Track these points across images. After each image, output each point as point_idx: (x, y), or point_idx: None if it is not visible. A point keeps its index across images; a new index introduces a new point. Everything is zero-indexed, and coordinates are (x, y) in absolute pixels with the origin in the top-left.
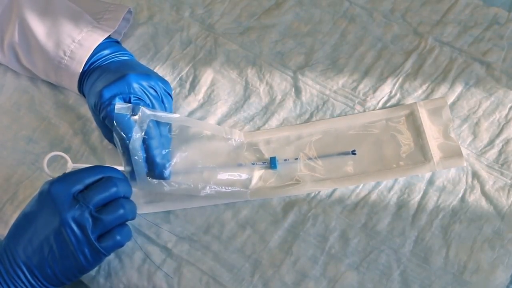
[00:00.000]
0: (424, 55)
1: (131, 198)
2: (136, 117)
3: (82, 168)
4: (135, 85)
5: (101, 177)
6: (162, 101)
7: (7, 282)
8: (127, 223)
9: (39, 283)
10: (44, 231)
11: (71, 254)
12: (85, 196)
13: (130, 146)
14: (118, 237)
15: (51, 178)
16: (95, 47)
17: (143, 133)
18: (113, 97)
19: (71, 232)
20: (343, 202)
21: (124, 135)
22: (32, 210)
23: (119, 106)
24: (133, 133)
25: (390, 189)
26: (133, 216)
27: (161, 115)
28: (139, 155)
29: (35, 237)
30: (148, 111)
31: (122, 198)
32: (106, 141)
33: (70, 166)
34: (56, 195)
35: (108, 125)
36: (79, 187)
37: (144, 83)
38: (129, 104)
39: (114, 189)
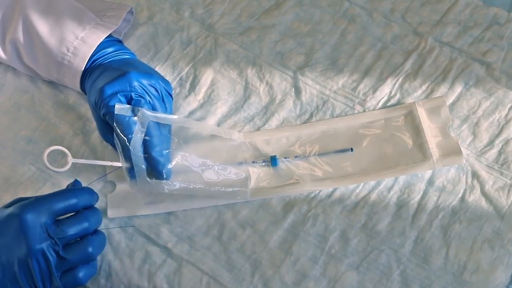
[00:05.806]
0: (424, 55)
1: (133, 198)
2: (136, 118)
3: (55, 193)
4: (136, 83)
5: (75, 201)
6: (163, 101)
7: None
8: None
9: None
10: (9, 256)
11: (32, 285)
12: (57, 232)
13: (131, 147)
14: (80, 275)
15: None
16: (98, 43)
17: (143, 134)
18: (114, 94)
19: (36, 264)
20: (343, 202)
21: (125, 136)
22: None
23: (119, 107)
24: (134, 134)
25: (390, 189)
26: (99, 253)
27: (161, 116)
28: (139, 156)
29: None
30: (148, 112)
31: (90, 235)
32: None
33: (70, 160)
34: (27, 225)
35: (109, 121)
36: (51, 218)
37: (145, 82)
38: (129, 106)
39: (86, 224)
